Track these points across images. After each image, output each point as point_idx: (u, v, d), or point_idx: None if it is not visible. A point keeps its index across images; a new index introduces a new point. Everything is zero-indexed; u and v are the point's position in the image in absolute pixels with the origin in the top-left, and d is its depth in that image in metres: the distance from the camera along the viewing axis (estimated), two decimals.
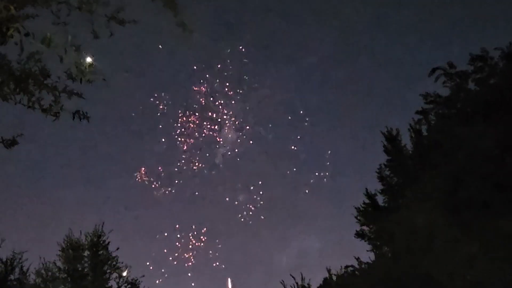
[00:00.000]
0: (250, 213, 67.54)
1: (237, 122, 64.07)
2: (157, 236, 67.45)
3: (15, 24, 6.43)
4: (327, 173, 69.44)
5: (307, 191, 69.23)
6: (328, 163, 71.01)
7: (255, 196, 68.28)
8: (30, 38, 6.63)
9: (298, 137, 69.06)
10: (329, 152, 70.73)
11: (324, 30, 75.49)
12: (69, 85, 8.12)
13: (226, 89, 64.29)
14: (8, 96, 8.18)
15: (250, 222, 67.94)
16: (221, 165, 63.31)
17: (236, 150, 63.30)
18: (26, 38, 6.75)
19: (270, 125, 69.32)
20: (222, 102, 62.12)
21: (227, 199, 66.08)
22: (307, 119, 68.94)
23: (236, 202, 67.93)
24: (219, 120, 61.04)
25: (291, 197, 71.54)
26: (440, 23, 71.73)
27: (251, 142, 64.96)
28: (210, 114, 60.21)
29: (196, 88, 60.28)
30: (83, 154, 71.84)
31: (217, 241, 66.53)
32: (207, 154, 63.12)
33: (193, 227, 66.66)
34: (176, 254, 65.81)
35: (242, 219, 67.83)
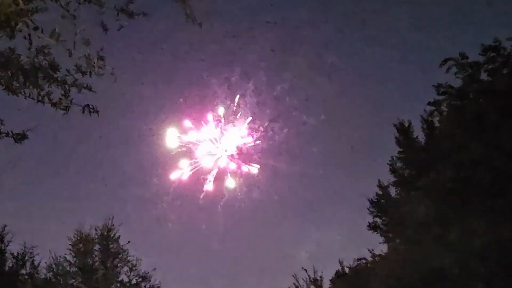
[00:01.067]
0: (267, 206, 67.23)
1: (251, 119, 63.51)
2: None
3: (24, 18, 6.31)
4: (340, 165, 69.23)
5: (323, 182, 68.98)
6: (340, 155, 70.79)
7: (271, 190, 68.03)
8: (38, 32, 6.51)
9: (310, 130, 68.62)
10: (341, 143, 70.50)
11: (333, 21, 74.98)
12: (79, 79, 8.04)
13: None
14: (18, 90, 8.10)
15: (267, 216, 67.78)
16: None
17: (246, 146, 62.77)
18: (34, 32, 6.64)
19: (282, 122, 68.94)
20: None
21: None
22: (322, 117, 68.58)
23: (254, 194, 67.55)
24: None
25: (307, 190, 71.27)
26: (451, 13, 71.20)
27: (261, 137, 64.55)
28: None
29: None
30: (93, 149, 71.61)
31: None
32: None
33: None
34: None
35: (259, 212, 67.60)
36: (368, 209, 38.89)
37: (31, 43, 7.01)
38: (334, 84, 71.69)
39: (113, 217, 40.56)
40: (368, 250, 39.82)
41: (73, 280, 38.55)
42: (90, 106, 8.02)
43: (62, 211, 64.10)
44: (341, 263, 44.10)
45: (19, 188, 64.91)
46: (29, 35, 6.61)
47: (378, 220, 38.66)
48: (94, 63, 7.15)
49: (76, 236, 39.53)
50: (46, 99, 8.10)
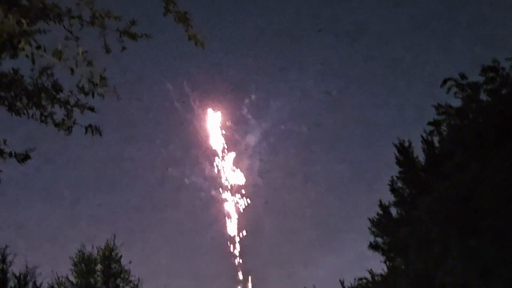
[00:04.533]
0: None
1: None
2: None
3: (27, 37, 6.42)
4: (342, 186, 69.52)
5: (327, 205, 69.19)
6: (342, 176, 71.26)
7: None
8: (41, 51, 6.61)
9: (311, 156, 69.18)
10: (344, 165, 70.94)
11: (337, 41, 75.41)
12: (81, 99, 8.12)
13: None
14: (21, 110, 8.19)
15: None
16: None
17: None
18: (37, 51, 6.73)
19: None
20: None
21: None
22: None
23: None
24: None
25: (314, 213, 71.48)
26: (451, 35, 71.81)
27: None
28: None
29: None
30: (96, 168, 71.95)
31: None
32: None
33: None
34: None
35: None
36: (369, 229, 38.87)
37: (34, 63, 7.10)
38: (338, 107, 71.93)
39: (115, 237, 40.64)
40: (368, 270, 39.76)
41: None
42: (93, 127, 8.11)
43: (64, 231, 64.27)
44: (342, 282, 44.00)
45: (21, 207, 65.18)
46: (32, 54, 6.70)
47: (379, 239, 38.63)
48: (97, 83, 7.23)
49: (78, 256, 39.58)
50: (49, 119, 8.19)
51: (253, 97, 61.30)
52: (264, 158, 65.58)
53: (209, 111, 56.67)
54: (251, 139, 61.24)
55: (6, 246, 37.93)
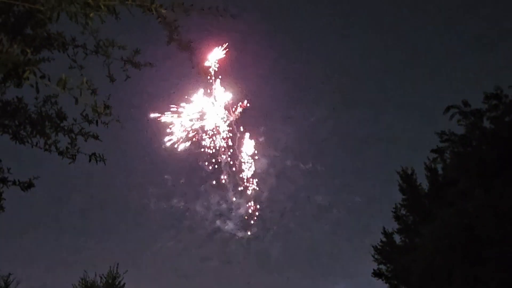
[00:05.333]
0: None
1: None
2: None
3: (31, 66, 6.43)
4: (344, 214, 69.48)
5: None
6: (347, 203, 71.23)
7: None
8: (45, 80, 6.62)
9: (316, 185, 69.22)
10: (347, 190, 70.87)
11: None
12: (85, 127, 8.13)
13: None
14: (24, 139, 8.21)
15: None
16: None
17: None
18: (41, 80, 6.74)
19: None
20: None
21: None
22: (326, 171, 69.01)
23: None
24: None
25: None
26: (454, 63, 71.99)
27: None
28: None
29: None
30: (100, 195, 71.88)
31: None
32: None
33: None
34: None
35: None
36: (373, 256, 38.73)
37: (38, 91, 7.11)
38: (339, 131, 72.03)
39: (118, 264, 40.49)
40: None
41: None
42: (97, 155, 8.10)
43: (67, 257, 64.13)
44: None
45: (24, 234, 65.05)
46: (36, 83, 6.71)
47: (383, 267, 38.48)
48: (101, 112, 7.23)
49: (81, 284, 39.44)
50: (53, 147, 8.20)
51: (261, 139, 61.45)
52: (271, 188, 65.59)
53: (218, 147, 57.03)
54: (257, 167, 61.21)
55: (10, 274, 37.83)
